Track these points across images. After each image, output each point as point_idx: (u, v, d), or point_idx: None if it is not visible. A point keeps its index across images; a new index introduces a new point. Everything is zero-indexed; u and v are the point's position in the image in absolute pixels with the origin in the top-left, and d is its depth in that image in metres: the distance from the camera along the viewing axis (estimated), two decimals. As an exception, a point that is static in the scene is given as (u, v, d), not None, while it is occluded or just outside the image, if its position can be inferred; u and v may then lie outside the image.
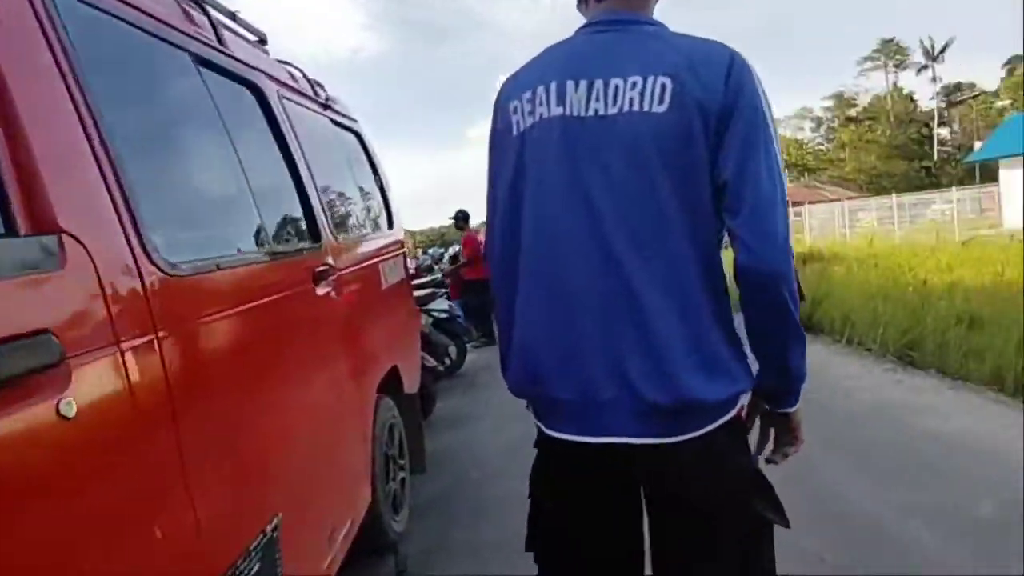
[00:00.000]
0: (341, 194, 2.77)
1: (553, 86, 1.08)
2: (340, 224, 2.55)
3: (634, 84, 1.02)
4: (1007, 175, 24.19)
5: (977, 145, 32.78)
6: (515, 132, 1.12)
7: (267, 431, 1.57)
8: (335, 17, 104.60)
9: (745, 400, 1.09)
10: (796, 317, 1.03)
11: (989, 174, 31.42)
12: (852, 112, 52.24)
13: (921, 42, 49.70)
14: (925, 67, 50.38)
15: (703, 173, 1.01)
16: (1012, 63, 49.80)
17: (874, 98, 52.23)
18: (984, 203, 26.86)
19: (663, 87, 1.01)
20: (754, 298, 1.02)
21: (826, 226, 28.12)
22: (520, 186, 1.12)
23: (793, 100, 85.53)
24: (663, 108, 1.01)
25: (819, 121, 54.15)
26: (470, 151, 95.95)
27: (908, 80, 52.36)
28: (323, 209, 2.28)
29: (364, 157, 3.43)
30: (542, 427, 1.13)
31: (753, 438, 1.18)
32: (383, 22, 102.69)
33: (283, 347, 1.75)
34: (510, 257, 1.16)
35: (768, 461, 1.16)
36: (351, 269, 2.44)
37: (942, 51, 49.20)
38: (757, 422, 1.18)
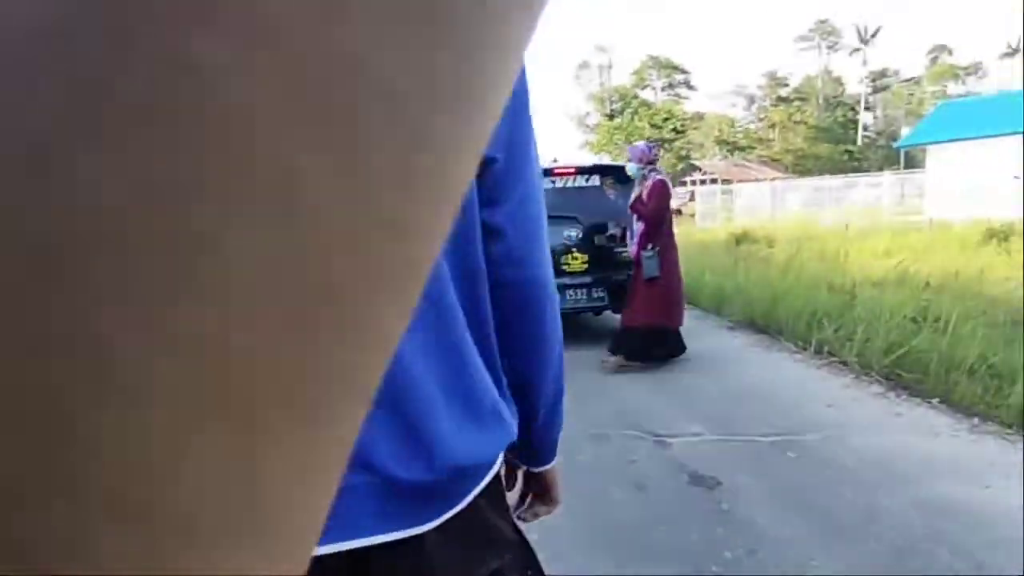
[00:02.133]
0: None
1: None
2: None
3: None
4: (935, 163, 24.13)
5: (904, 131, 33.22)
6: None
7: None
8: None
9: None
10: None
11: (908, 162, 32.33)
12: (783, 92, 52.78)
13: (856, 26, 50.55)
14: (857, 50, 51.31)
15: None
16: (935, 52, 51.72)
17: (805, 78, 52.94)
18: (905, 189, 27.19)
19: None
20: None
21: (755, 206, 27.81)
22: None
23: (730, 76, 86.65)
24: None
25: (751, 99, 54.45)
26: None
27: (839, 63, 53.28)
28: None
29: None
30: None
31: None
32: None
33: None
34: None
35: (518, 518, 0.96)
36: None
37: (874, 35, 50.15)
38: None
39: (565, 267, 5.13)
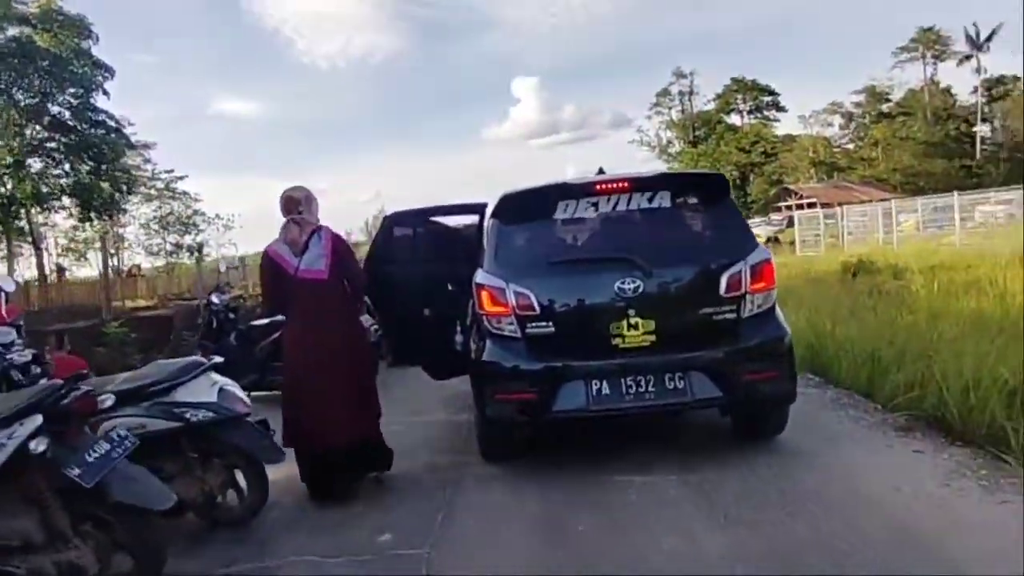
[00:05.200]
0: None
1: None
2: None
3: None
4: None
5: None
6: None
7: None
8: (353, 19, 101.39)
9: None
10: None
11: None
12: (885, 107, 48.51)
13: (965, 29, 45.69)
14: (969, 57, 46.35)
15: None
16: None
17: (909, 92, 48.49)
18: (1041, 204, 23.55)
19: None
20: None
21: (864, 230, 24.77)
22: None
23: (821, 94, 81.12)
24: None
25: (849, 117, 50.29)
26: (484, 151, 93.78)
27: (947, 72, 48.46)
28: None
29: None
30: None
31: None
32: (395, 22, 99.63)
33: None
34: None
35: None
36: None
37: (988, 39, 45.10)
38: None
39: (619, 340, 3.18)
